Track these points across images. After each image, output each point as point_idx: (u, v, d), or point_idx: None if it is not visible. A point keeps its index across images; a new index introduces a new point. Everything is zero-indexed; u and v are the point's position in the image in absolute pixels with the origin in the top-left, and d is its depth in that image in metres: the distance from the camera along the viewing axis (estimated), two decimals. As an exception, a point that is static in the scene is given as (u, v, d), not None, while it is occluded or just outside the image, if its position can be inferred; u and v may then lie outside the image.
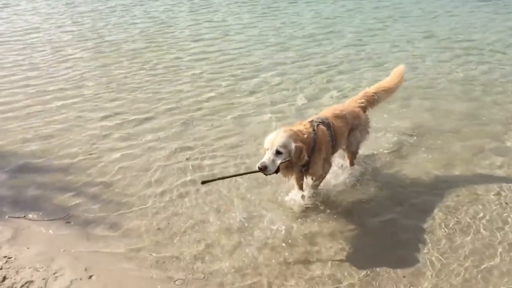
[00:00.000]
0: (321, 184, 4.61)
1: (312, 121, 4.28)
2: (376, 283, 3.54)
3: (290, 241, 4.03)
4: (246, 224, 4.23)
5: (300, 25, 12.00)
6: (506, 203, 4.47)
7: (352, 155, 4.97)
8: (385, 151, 5.45)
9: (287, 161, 3.86)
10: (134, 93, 7.58)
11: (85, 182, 5.03)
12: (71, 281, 3.59)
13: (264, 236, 4.07)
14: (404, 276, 3.59)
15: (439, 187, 4.76)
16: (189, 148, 5.69)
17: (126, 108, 7.01)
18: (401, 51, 9.52)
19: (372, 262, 3.77)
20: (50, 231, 4.23)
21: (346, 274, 3.64)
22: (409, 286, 3.51)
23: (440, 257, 3.79)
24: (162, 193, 4.78)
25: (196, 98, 7.29)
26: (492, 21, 11.79)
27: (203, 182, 3.93)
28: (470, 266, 3.69)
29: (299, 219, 4.30)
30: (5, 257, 3.87)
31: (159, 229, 4.22)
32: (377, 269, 3.68)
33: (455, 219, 4.25)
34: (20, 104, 7.18)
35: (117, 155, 5.58)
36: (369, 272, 3.64)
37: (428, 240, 3.99)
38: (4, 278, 3.62)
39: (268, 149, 3.86)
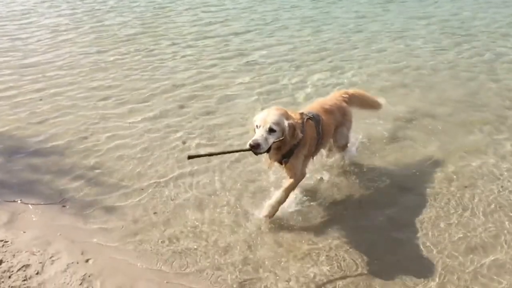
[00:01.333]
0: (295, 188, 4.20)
1: (302, 113, 4.05)
2: (375, 280, 3.41)
3: (282, 235, 3.90)
4: (239, 214, 4.14)
5: (300, 9, 11.90)
6: (502, 187, 4.45)
7: (342, 148, 4.79)
8: (381, 138, 5.39)
9: (280, 140, 3.66)
10: (130, 78, 7.54)
11: (81, 166, 5.01)
12: (67, 265, 3.59)
13: (257, 228, 3.97)
14: (405, 274, 3.45)
15: (437, 173, 4.71)
16: (185, 132, 5.67)
17: (122, 92, 6.97)
18: (400, 36, 9.45)
19: (371, 257, 3.62)
20: (46, 215, 4.23)
21: (342, 270, 3.51)
22: (411, 283, 3.38)
23: (441, 254, 3.67)
24: (158, 177, 4.76)
25: (192, 84, 7.24)
26: (494, 7, 11.67)
27: (190, 157, 3.78)
28: (472, 261, 3.55)
29: (293, 212, 4.16)
30: (1, 241, 3.86)
31: (155, 213, 4.22)
32: (376, 265, 3.55)
33: (454, 206, 4.18)
34: (16, 89, 7.14)
35: (112, 139, 5.57)
36: (368, 268, 3.51)
37: (428, 232, 3.88)
38: (1, 262, 3.61)
39: (259, 127, 3.64)
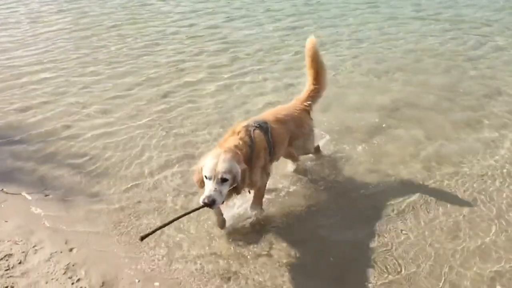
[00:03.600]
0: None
1: (247, 126, 3.69)
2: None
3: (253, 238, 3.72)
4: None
5: None
6: (484, 175, 4.51)
7: (307, 154, 4.62)
8: (365, 128, 5.39)
9: (233, 187, 3.30)
10: (113, 67, 7.48)
11: (64, 155, 4.97)
12: (51, 254, 3.56)
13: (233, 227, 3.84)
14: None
15: (421, 162, 4.76)
16: (168, 122, 5.65)
17: (106, 81, 6.93)
18: (386, 24, 9.55)
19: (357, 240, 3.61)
20: (29, 204, 4.18)
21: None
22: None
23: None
24: (142, 166, 4.74)
25: (175, 72, 7.23)
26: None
27: (142, 238, 3.22)
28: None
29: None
30: (-18, 230, 3.81)
31: (139, 202, 4.19)
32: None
33: (439, 194, 4.24)
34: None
35: (96, 128, 5.53)
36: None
37: (411, 217, 3.94)
38: (-18, 252, 3.57)
39: (209, 178, 3.21)
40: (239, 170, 3.27)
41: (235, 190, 3.36)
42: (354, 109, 5.86)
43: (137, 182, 4.49)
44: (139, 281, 3.32)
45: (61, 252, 3.59)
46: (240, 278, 3.38)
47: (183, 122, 5.64)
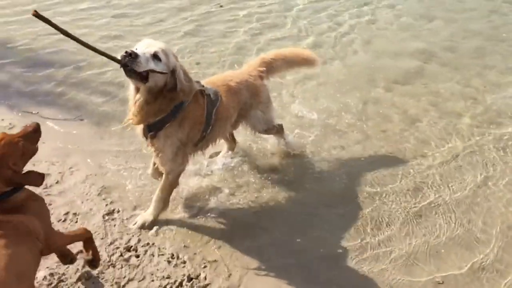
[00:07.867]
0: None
1: (197, 82, 3.07)
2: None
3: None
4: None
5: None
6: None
7: (270, 133, 3.84)
8: (399, 74, 5.21)
9: (162, 73, 2.70)
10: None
11: (97, 82, 5.00)
12: (86, 176, 3.65)
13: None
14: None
15: (458, 109, 4.60)
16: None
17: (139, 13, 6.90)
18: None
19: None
20: (65, 127, 4.27)
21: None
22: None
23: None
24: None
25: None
26: None
27: (35, 14, 2.52)
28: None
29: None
30: (20, 150, 3.92)
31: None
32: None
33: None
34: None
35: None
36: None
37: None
38: (21, 170, 3.69)
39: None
40: (177, 64, 2.80)
41: (156, 97, 2.78)
42: (387, 53, 5.65)
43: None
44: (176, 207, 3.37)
45: (95, 175, 3.67)
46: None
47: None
